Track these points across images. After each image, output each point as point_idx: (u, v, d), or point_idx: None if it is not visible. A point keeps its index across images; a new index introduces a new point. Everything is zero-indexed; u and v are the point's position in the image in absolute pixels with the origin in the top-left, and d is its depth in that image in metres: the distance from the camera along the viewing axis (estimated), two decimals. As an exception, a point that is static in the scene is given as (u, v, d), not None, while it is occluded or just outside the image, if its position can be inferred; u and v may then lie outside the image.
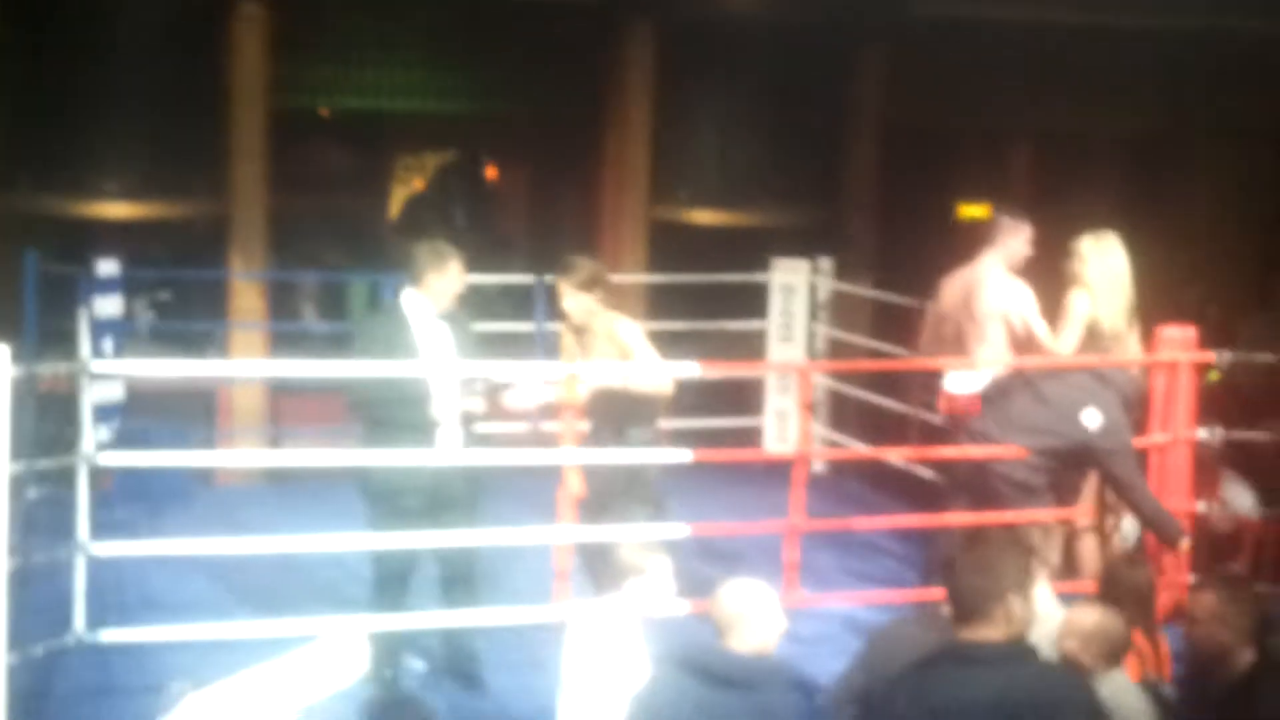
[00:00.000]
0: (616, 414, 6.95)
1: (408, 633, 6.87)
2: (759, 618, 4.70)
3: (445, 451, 6.66)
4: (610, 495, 6.90)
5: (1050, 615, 5.19)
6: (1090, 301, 7.25)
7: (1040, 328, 7.57)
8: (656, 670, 4.70)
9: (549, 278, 10.71)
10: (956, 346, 7.91)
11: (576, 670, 5.39)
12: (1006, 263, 7.84)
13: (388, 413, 6.59)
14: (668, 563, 5.58)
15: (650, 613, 5.40)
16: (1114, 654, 5.02)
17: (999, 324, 7.72)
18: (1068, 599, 5.83)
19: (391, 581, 6.80)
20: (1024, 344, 7.65)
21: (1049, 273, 7.73)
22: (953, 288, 7.95)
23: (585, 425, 7.15)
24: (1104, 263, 7.27)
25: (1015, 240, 7.85)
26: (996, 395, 7.33)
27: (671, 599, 5.36)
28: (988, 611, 3.93)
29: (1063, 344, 7.29)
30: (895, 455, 9.11)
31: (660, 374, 6.87)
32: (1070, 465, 7.14)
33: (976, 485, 7.14)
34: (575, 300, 7.01)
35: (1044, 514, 7.00)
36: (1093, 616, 5.04)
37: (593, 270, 7.10)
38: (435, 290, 6.72)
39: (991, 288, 7.76)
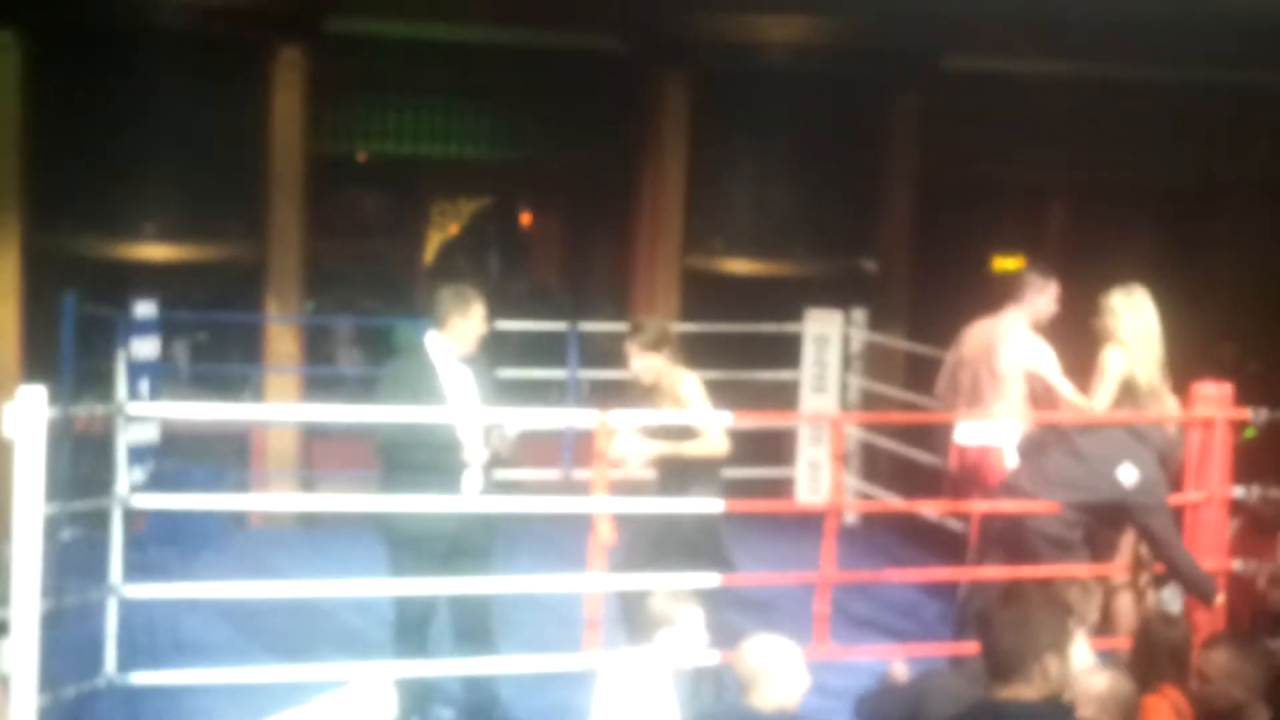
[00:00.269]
0: (678, 470, 7.01)
1: (434, 680, 6.86)
2: (781, 674, 4.69)
3: (472, 498, 6.67)
4: (667, 547, 6.92)
5: (1088, 672, 5.15)
6: (1126, 358, 7.22)
7: (1065, 387, 7.57)
8: None
9: (582, 325, 10.83)
10: (972, 396, 7.92)
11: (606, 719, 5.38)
12: (1031, 319, 7.84)
13: (414, 457, 6.60)
14: (699, 613, 5.56)
15: (680, 663, 5.39)
16: (1130, 714, 4.98)
17: (1019, 381, 7.73)
18: (1105, 656, 5.80)
19: (412, 627, 6.81)
20: (1044, 402, 7.65)
21: (1081, 326, 7.72)
22: (975, 338, 7.96)
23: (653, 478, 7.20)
24: (1136, 318, 7.24)
25: (1042, 299, 7.85)
26: (1032, 450, 7.30)
27: (702, 650, 5.35)
28: (1025, 670, 3.89)
29: (1098, 401, 7.26)
30: (929, 509, 9.07)
31: (710, 437, 6.90)
32: (1105, 521, 7.10)
33: (1011, 540, 7.10)
34: (643, 361, 7.04)
35: (1078, 570, 6.95)
36: (1103, 681, 4.99)
37: (660, 330, 7.13)
38: (459, 333, 6.74)
39: (1014, 344, 7.76)
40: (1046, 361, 7.68)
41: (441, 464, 6.63)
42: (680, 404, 6.99)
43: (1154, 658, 5.59)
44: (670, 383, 7.03)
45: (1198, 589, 6.96)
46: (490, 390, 6.86)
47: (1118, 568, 7.34)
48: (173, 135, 10.61)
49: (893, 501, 9.88)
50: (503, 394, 7.01)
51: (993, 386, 7.82)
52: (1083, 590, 6.06)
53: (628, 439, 6.93)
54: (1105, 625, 7.20)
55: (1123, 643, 6.53)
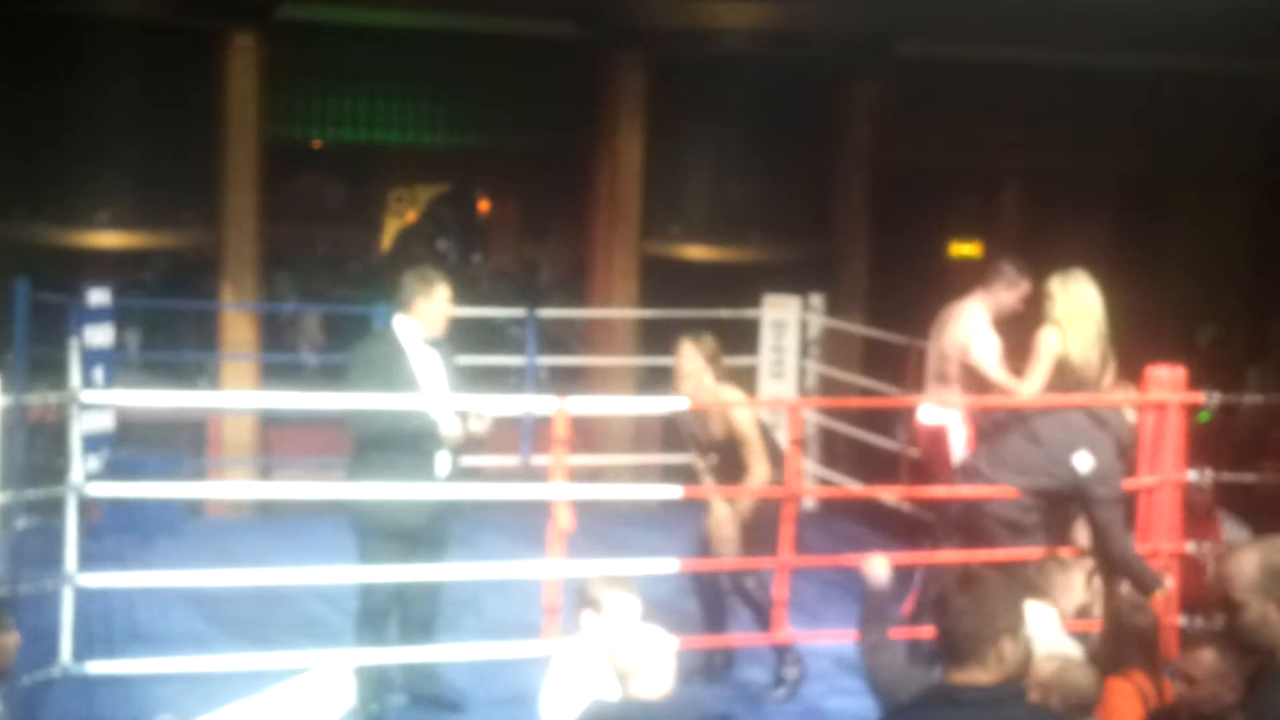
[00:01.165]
0: (732, 475, 7.19)
1: (393, 667, 6.86)
2: (652, 669, 4.71)
3: (437, 485, 6.67)
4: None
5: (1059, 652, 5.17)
6: (1059, 338, 7.26)
7: (995, 372, 7.63)
8: None
9: (540, 311, 10.81)
10: (934, 377, 8.02)
11: (553, 706, 5.39)
12: (993, 309, 7.89)
13: (386, 440, 6.61)
14: (632, 600, 5.56)
15: (614, 649, 5.39)
16: (1079, 704, 4.97)
17: (959, 365, 7.83)
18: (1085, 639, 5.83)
19: (376, 614, 6.81)
20: (974, 385, 7.74)
21: (1034, 313, 7.81)
22: (939, 321, 8.05)
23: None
24: (1071, 299, 7.27)
25: (1008, 293, 7.90)
26: (991, 432, 7.34)
27: (637, 635, 5.33)
28: (980, 653, 3.90)
29: (1031, 382, 7.29)
30: (887, 493, 9.11)
31: (759, 468, 7.11)
32: (1060, 505, 7.14)
33: (967, 524, 7.14)
34: (693, 365, 7.18)
35: (1031, 553, 6.99)
36: (1052, 666, 5.00)
37: (717, 351, 7.30)
38: (424, 316, 6.77)
39: (961, 326, 7.85)
40: (981, 346, 7.75)
41: (413, 447, 6.63)
42: (730, 422, 7.14)
43: (1122, 643, 5.61)
44: (718, 400, 7.18)
45: (1140, 582, 6.96)
46: (454, 373, 6.88)
47: (1074, 551, 7.38)
48: (126, 122, 10.51)
49: (851, 486, 9.92)
50: (464, 378, 7.02)
51: (940, 367, 7.94)
52: (1060, 568, 6.05)
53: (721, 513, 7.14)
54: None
55: (1093, 626, 6.57)
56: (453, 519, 6.84)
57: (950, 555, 7.09)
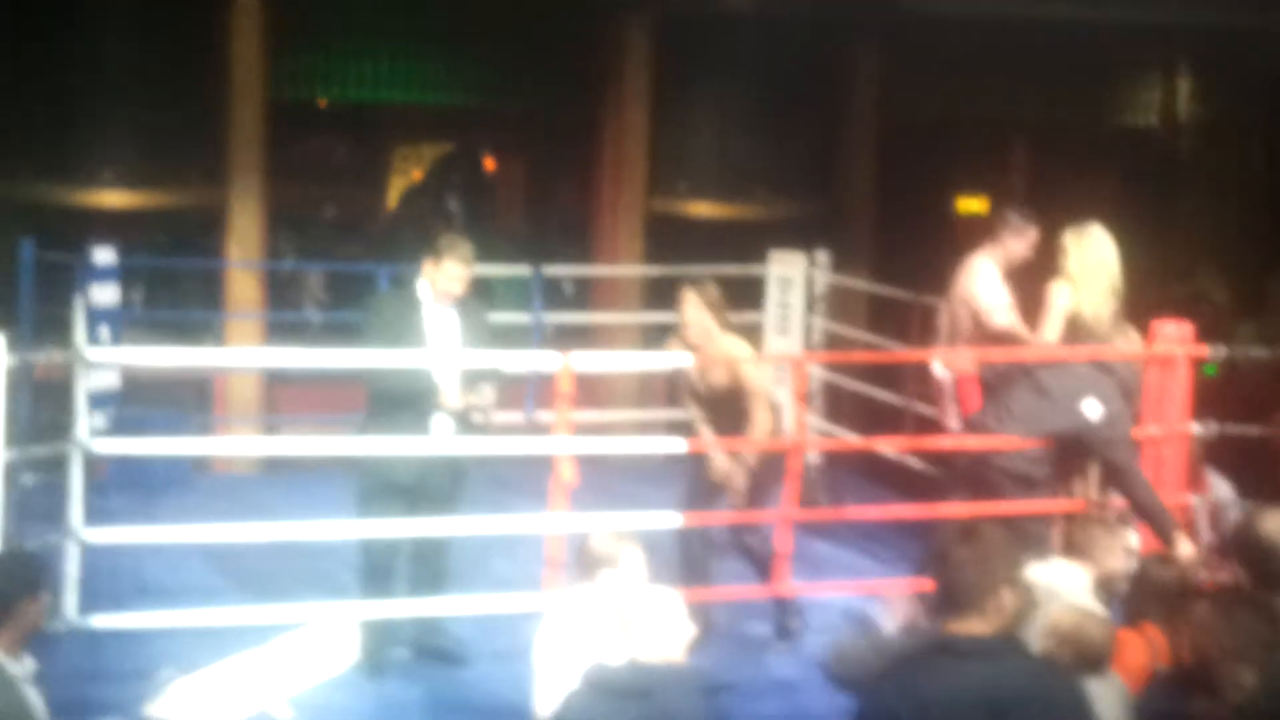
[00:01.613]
0: (731, 427, 7.17)
1: (396, 621, 6.90)
2: (658, 627, 4.65)
3: (436, 441, 6.69)
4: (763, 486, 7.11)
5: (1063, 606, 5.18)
6: (1071, 293, 7.23)
7: (1002, 320, 7.61)
8: (574, 691, 4.66)
9: (546, 269, 10.80)
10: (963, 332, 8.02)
11: (548, 658, 5.40)
12: (1003, 260, 7.87)
13: (387, 394, 6.69)
14: (639, 553, 5.57)
15: (623, 603, 5.39)
16: (1093, 659, 4.96)
17: (970, 317, 7.82)
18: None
19: (377, 570, 6.86)
20: (994, 338, 7.74)
21: (1046, 266, 7.78)
22: (952, 281, 8.05)
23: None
24: (1084, 254, 7.23)
25: (1016, 241, 7.88)
26: (997, 386, 7.33)
27: (646, 589, 5.32)
28: (980, 604, 3.90)
29: (1044, 336, 7.28)
30: (888, 445, 9.12)
31: (763, 418, 7.07)
32: (1070, 455, 7.13)
33: (975, 478, 7.13)
34: (698, 314, 7.15)
35: (1044, 506, 6.98)
36: (1072, 618, 5.00)
37: (720, 299, 7.29)
38: (432, 279, 6.83)
39: (969, 278, 7.84)
40: (987, 296, 7.73)
41: (411, 406, 6.67)
42: (736, 373, 7.12)
43: (1143, 596, 5.59)
44: (725, 350, 7.15)
45: (1159, 525, 6.97)
46: (480, 335, 6.90)
47: (1080, 503, 7.37)
48: (130, 81, 10.51)
49: (855, 440, 9.93)
50: (496, 339, 7.04)
51: (955, 320, 7.93)
52: (1106, 530, 5.99)
53: (726, 464, 7.12)
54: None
55: None
56: (453, 478, 6.85)
57: (964, 509, 7.07)
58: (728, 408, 7.21)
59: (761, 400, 7.13)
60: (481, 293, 7.34)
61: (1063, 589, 5.41)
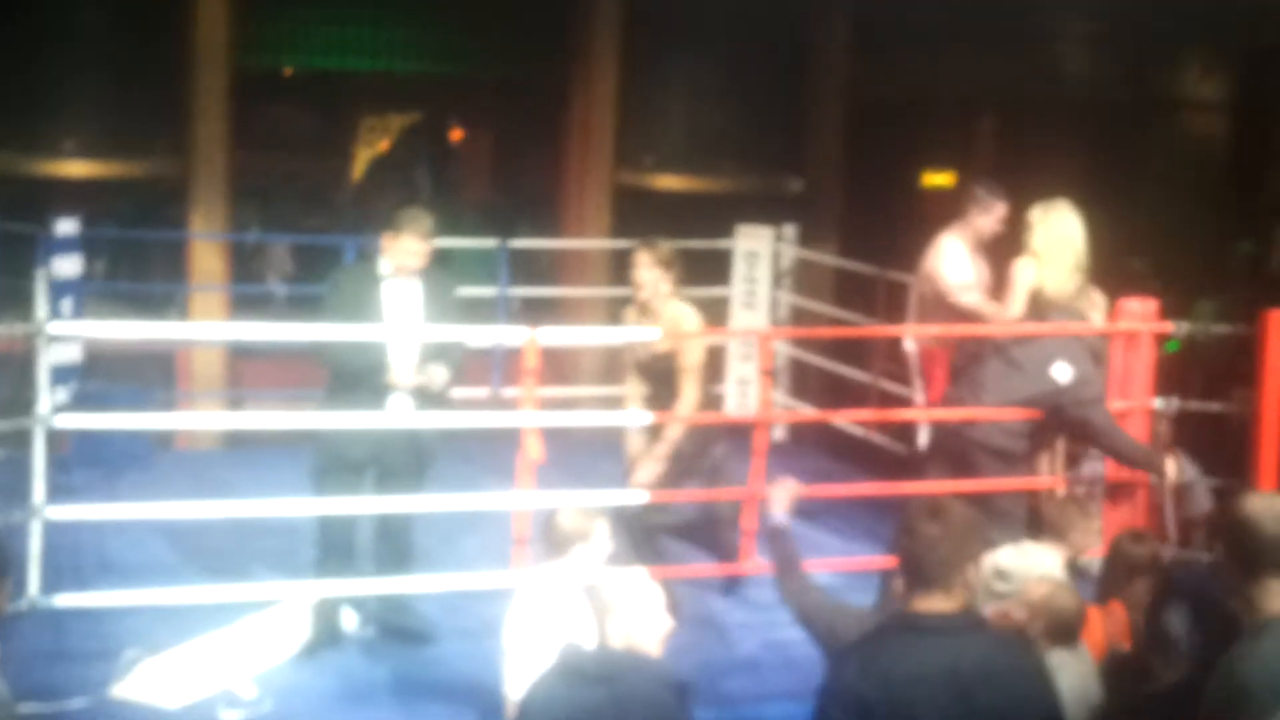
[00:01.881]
0: (665, 401, 7.10)
1: (365, 599, 6.88)
2: (635, 616, 4.61)
3: (401, 414, 6.67)
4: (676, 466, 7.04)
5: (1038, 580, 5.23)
6: (1035, 269, 7.25)
7: (966, 298, 7.65)
8: (541, 677, 4.63)
9: (513, 241, 10.76)
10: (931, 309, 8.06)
11: (520, 637, 5.39)
12: (972, 237, 7.89)
13: (337, 371, 6.67)
14: (607, 528, 5.57)
15: (592, 578, 5.38)
16: (1062, 631, 5.00)
17: (933, 294, 7.86)
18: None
19: (335, 545, 6.81)
20: (960, 315, 7.77)
21: (1014, 242, 7.79)
22: (923, 254, 8.08)
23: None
24: (1049, 230, 7.26)
25: (984, 217, 7.90)
26: (968, 364, 7.35)
27: (633, 582, 5.31)
28: (947, 581, 3.91)
29: (1009, 312, 7.30)
30: (853, 418, 9.14)
31: (690, 394, 7.01)
32: (1044, 429, 7.15)
33: (952, 453, 7.16)
34: (650, 274, 7.08)
35: (1019, 483, 7.00)
36: (1041, 589, 5.03)
37: (671, 255, 7.20)
38: (390, 253, 6.75)
39: (936, 257, 7.87)
40: (951, 273, 7.76)
41: (363, 382, 6.63)
42: (678, 340, 7.04)
43: (1115, 572, 5.63)
44: (672, 316, 7.08)
45: (1149, 466, 7.07)
46: (444, 310, 6.82)
47: (1055, 478, 7.39)
48: (92, 50, 10.40)
49: (821, 414, 9.94)
50: (463, 314, 6.97)
51: (920, 304, 7.96)
52: (1081, 512, 6.04)
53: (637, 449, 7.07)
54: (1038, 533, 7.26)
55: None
56: (414, 455, 6.79)
57: (934, 486, 7.08)
58: (665, 380, 7.11)
59: (692, 376, 7.04)
60: (448, 265, 7.28)
61: (1035, 571, 5.44)
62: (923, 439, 8.02)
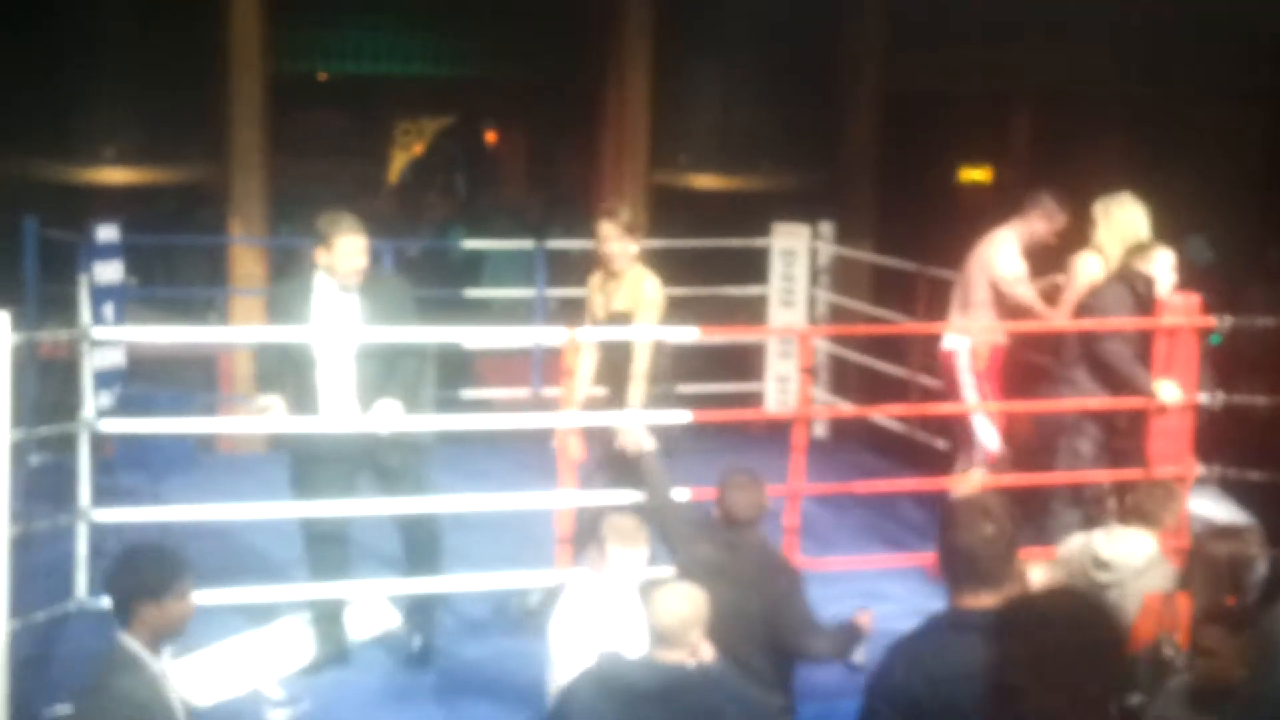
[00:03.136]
0: (620, 378, 6.97)
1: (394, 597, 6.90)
2: (690, 629, 4.57)
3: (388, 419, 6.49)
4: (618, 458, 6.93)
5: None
6: (1100, 264, 7.26)
7: (1026, 294, 7.64)
8: (574, 687, 4.56)
9: (549, 243, 10.78)
10: (960, 302, 8.03)
11: (566, 638, 5.40)
12: (1025, 237, 7.86)
13: (273, 379, 6.52)
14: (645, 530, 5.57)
15: (638, 580, 5.38)
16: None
17: (985, 288, 7.81)
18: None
19: (321, 548, 6.71)
20: (1010, 311, 7.76)
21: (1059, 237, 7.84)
22: (973, 250, 8.05)
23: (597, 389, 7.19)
24: (1113, 225, 7.28)
25: (1043, 224, 7.87)
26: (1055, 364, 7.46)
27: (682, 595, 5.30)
28: (998, 576, 3.89)
29: (1068, 308, 7.31)
30: (889, 413, 9.13)
31: (644, 353, 6.86)
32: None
33: (1048, 447, 7.23)
34: (620, 245, 6.97)
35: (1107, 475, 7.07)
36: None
37: (635, 216, 7.11)
38: (325, 264, 6.44)
39: (991, 252, 7.83)
40: (1008, 267, 7.74)
41: (299, 387, 6.51)
42: (640, 298, 6.93)
43: (1193, 567, 5.53)
44: (635, 277, 6.98)
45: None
46: (391, 317, 6.47)
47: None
48: (131, 58, 10.46)
49: (862, 410, 9.92)
50: (414, 318, 6.63)
51: (974, 293, 7.92)
52: (1168, 494, 6.01)
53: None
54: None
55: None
56: (400, 454, 6.62)
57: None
58: (623, 350, 6.94)
59: (645, 358, 6.85)
60: (409, 271, 7.14)
61: (1135, 559, 5.45)
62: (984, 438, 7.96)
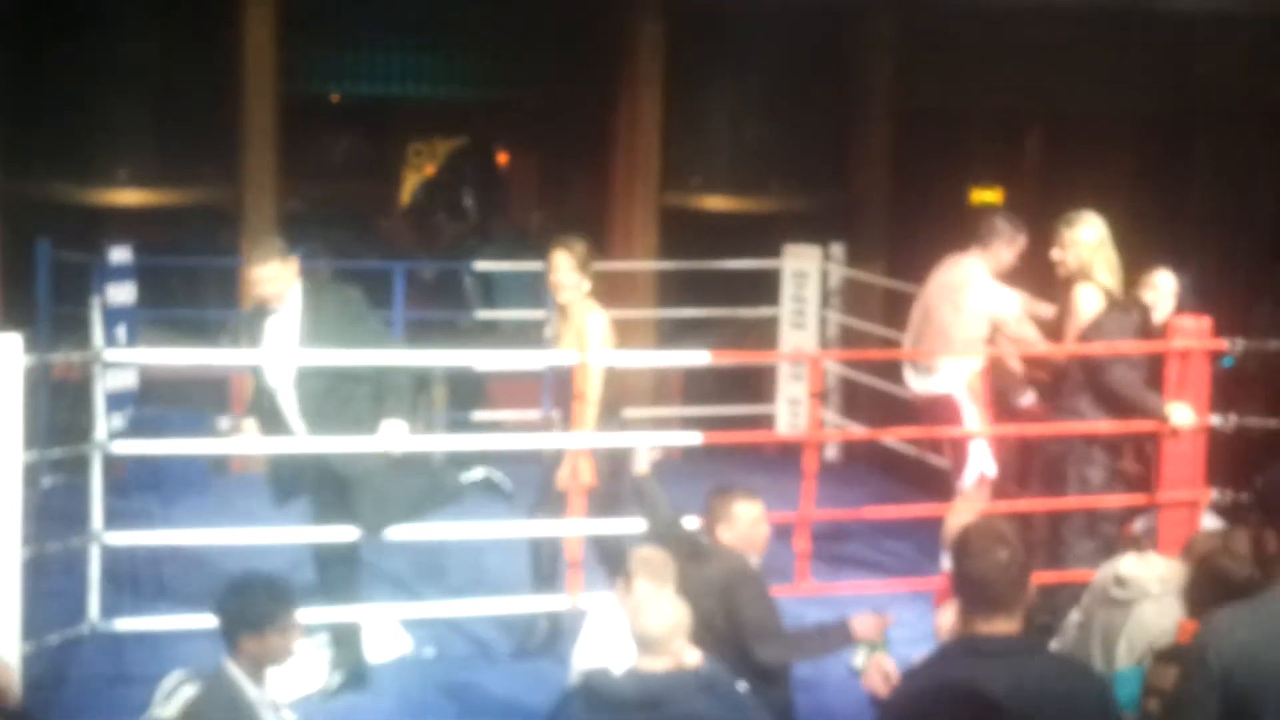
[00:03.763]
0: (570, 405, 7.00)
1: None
2: (674, 636, 4.59)
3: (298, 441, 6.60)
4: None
5: None
6: (1101, 299, 7.24)
7: (1029, 333, 7.63)
8: (563, 704, 4.58)
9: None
10: (920, 332, 7.95)
11: (589, 661, 5.39)
12: (993, 267, 7.77)
13: (252, 402, 6.82)
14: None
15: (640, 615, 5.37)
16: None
17: (980, 324, 7.70)
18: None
19: (334, 568, 6.74)
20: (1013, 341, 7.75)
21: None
22: (940, 277, 7.92)
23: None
24: (1104, 254, 7.27)
25: (1007, 250, 7.79)
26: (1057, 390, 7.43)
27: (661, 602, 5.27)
28: (1013, 604, 3.89)
29: (1071, 340, 7.29)
30: (900, 436, 9.13)
31: (592, 383, 6.84)
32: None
33: (1054, 473, 7.21)
34: (568, 276, 7.01)
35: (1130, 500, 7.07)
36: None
37: (589, 253, 7.12)
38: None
39: (979, 289, 7.70)
40: (1009, 309, 7.69)
41: (268, 414, 6.65)
42: (584, 343, 6.92)
43: (1200, 584, 5.41)
44: (579, 314, 7.00)
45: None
46: (325, 341, 6.54)
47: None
48: (144, 79, 10.51)
49: (874, 433, 9.91)
50: (365, 336, 6.65)
51: (954, 325, 7.78)
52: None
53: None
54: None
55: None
56: (328, 480, 6.62)
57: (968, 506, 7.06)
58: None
59: (596, 374, 6.82)
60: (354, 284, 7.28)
61: (1153, 579, 5.43)
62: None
